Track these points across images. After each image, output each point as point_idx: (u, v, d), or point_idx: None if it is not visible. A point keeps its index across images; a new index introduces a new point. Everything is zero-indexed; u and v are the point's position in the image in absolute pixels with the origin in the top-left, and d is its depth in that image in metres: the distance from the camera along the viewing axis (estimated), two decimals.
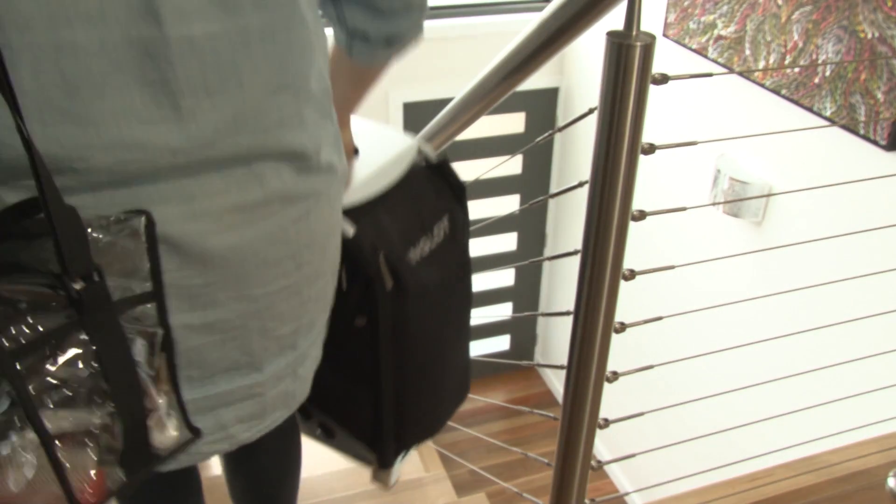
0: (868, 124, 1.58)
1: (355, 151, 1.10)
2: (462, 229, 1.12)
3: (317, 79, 0.76)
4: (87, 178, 0.64)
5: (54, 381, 0.60)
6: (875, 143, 1.57)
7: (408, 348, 1.06)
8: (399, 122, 2.91)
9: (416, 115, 2.91)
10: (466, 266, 1.16)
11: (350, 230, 0.97)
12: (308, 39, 0.72)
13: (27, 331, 0.58)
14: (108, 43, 0.60)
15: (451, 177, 1.12)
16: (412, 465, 2.17)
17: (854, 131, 1.62)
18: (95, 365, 0.61)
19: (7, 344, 0.57)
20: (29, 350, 0.58)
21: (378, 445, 1.16)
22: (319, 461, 2.10)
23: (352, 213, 0.98)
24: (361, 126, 1.14)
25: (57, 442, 0.60)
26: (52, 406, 0.60)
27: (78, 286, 0.59)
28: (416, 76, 2.80)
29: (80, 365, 0.61)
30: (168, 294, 0.71)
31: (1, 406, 0.58)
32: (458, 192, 1.13)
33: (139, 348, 0.65)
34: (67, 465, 0.61)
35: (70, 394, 0.60)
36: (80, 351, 0.60)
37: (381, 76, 0.99)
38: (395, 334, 1.03)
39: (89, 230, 0.61)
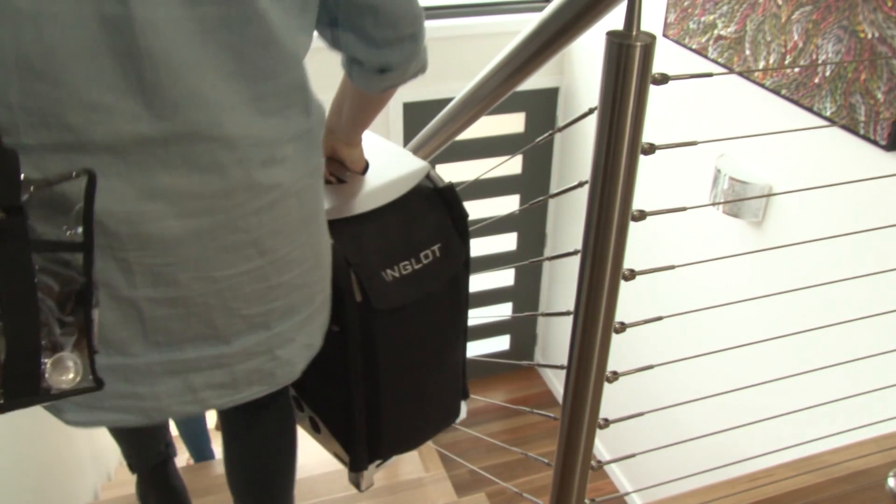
0: (868, 124, 1.58)
1: (366, 167, 1.12)
2: (453, 258, 1.12)
3: (285, 73, 0.79)
4: (58, 136, 0.70)
5: None
6: (875, 143, 1.57)
7: (380, 360, 1.09)
8: (399, 121, 2.92)
9: (416, 115, 2.91)
10: (456, 293, 1.16)
11: (328, 241, 0.98)
12: (273, 35, 0.76)
13: None
14: (83, 16, 0.67)
15: (455, 206, 1.13)
16: (412, 465, 2.17)
17: (854, 131, 1.62)
18: None
19: None
20: None
21: (350, 449, 1.18)
22: (320, 461, 2.10)
23: (335, 224, 1.01)
24: (377, 144, 1.17)
25: None
26: None
27: None
28: None
29: None
30: (132, 270, 0.78)
31: None
32: (460, 223, 1.13)
33: (52, 288, 0.70)
34: None
35: None
36: None
37: (386, 100, 1.03)
38: (364, 345, 1.06)
39: (31, 176, 0.67)
